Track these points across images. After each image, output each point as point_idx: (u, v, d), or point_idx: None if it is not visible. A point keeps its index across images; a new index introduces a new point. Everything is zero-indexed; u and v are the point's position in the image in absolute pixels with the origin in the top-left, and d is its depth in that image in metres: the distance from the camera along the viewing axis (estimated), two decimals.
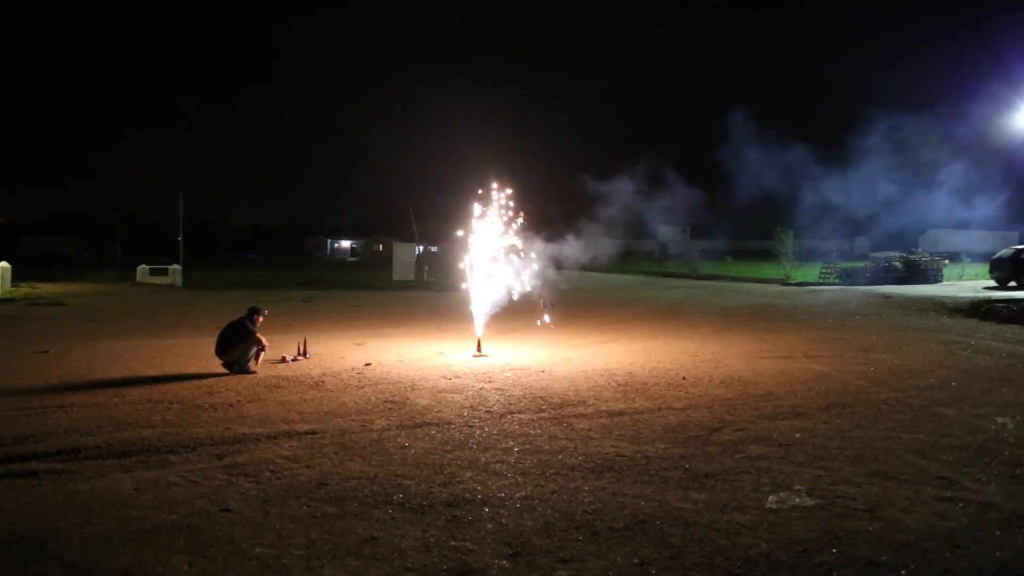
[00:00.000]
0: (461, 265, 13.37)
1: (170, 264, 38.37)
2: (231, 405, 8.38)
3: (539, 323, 14.41)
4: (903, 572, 4.12)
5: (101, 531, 4.70)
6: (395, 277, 38.59)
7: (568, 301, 15.26)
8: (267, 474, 5.88)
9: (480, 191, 12.82)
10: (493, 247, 12.92)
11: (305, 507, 5.15)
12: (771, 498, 5.31)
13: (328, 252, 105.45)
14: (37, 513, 5.03)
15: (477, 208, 12.85)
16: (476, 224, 12.86)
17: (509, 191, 12.76)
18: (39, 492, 5.47)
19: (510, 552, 4.39)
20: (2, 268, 29.21)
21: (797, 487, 5.53)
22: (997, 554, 4.36)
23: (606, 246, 15.58)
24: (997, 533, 4.67)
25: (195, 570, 4.14)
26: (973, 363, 11.13)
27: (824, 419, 7.68)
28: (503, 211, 12.85)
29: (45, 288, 30.91)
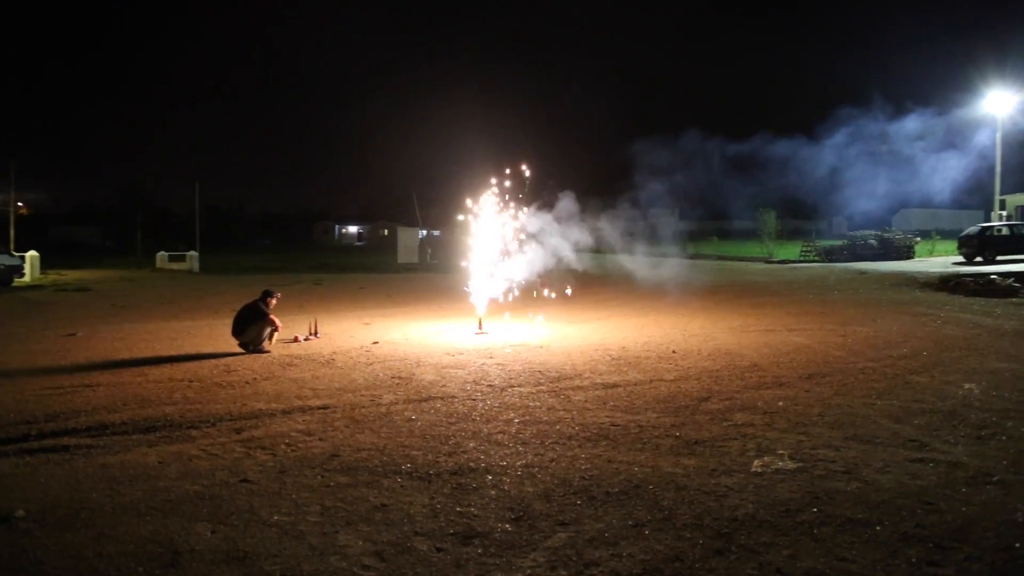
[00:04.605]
0: (463, 248, 13.33)
1: (188, 251, 38.29)
2: (247, 383, 8.39)
3: (541, 295, 14.29)
4: (878, 528, 4.15)
5: (129, 501, 4.72)
6: (400, 260, 38.57)
7: (561, 282, 15.22)
8: (283, 447, 5.90)
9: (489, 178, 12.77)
10: (496, 231, 12.89)
11: (319, 477, 5.17)
12: (756, 462, 5.34)
13: (336, 237, 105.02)
14: (70, 485, 5.05)
15: (481, 190, 12.80)
16: (479, 206, 12.82)
17: (515, 172, 12.71)
18: (71, 466, 5.49)
19: (512, 516, 4.42)
20: (31, 257, 29.21)
21: (780, 452, 5.56)
22: (964, 509, 4.40)
23: (604, 229, 15.55)
24: (964, 490, 4.71)
25: (218, 536, 4.17)
26: (943, 333, 11.16)
27: (805, 388, 7.71)
28: (507, 194, 12.82)
29: (71, 275, 30.88)
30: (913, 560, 3.80)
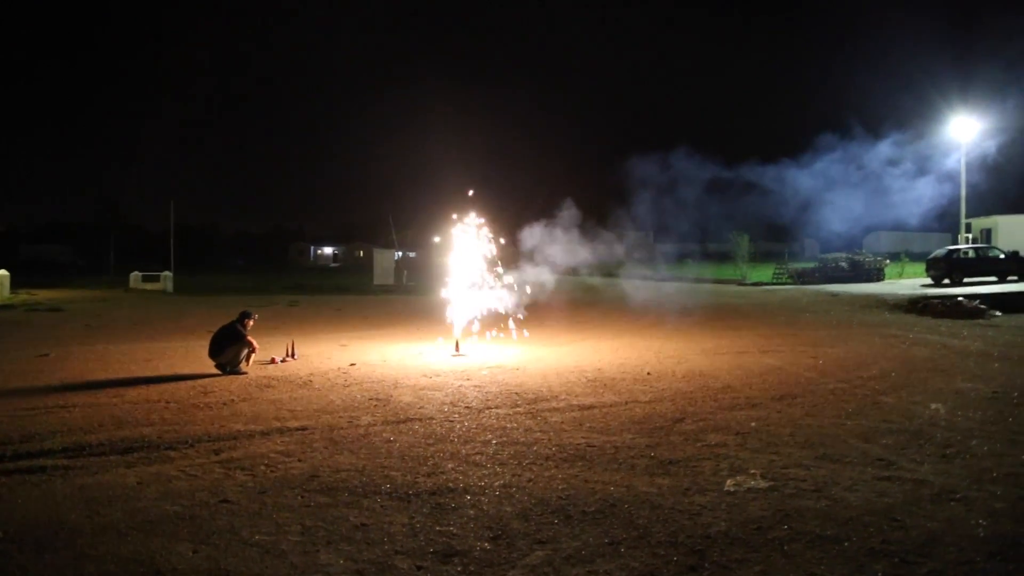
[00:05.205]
0: (441, 271, 13.42)
1: (161, 271, 37.93)
2: (225, 404, 8.38)
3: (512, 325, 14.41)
4: (846, 544, 4.29)
5: (109, 522, 4.73)
6: (376, 281, 38.49)
7: (539, 304, 15.35)
8: (262, 468, 5.93)
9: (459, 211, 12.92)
10: (473, 255, 13.00)
11: (299, 497, 5.21)
12: (729, 482, 5.46)
13: (311, 258, 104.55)
14: (48, 506, 5.05)
15: (456, 217, 12.94)
16: (456, 232, 12.95)
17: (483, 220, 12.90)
18: (49, 487, 5.48)
19: (491, 535, 4.50)
20: (1, 276, 28.78)
21: (752, 471, 5.70)
22: (928, 525, 4.55)
23: (584, 251, 15.73)
24: (929, 507, 4.87)
25: (199, 556, 4.20)
26: (911, 355, 11.43)
27: (777, 408, 7.87)
28: (482, 226, 12.96)
29: (43, 294, 30.44)
30: (879, 574, 3.94)
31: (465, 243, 12.98)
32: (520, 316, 13.93)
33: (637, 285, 28.68)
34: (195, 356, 11.78)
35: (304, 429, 7.17)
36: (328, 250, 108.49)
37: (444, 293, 13.26)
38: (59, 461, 6.10)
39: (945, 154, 33.95)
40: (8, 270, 29.94)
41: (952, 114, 34.49)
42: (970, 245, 33.32)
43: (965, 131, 34.51)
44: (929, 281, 29.48)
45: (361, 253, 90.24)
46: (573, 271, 16.52)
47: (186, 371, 10.67)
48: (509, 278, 13.45)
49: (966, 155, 34.97)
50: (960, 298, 18.84)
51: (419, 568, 4.05)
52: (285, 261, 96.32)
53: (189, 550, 4.28)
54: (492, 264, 13.17)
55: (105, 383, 9.76)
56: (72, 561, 4.14)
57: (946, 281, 28.40)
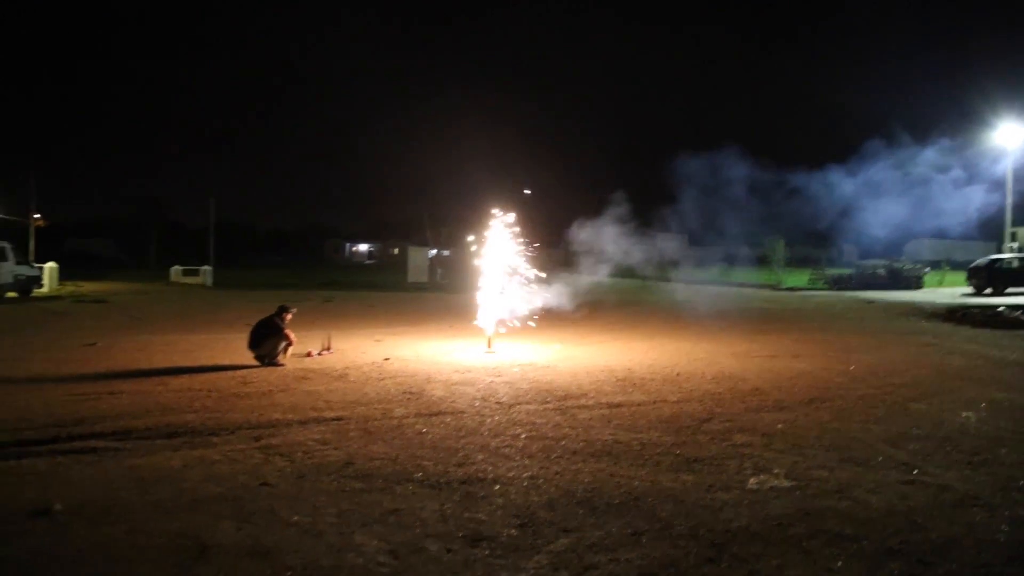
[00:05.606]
0: (475, 269, 13.60)
1: (201, 265, 38.83)
2: (264, 394, 8.68)
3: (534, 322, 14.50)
4: (864, 543, 4.40)
5: (158, 500, 5.02)
6: (410, 279, 38.88)
7: (571, 304, 15.48)
8: (300, 454, 6.18)
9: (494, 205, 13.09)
10: (505, 255, 13.16)
11: (335, 483, 5.45)
12: (752, 480, 5.58)
13: (346, 255, 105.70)
14: (101, 484, 5.36)
15: (491, 216, 13.11)
16: (489, 231, 13.12)
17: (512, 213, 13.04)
18: (101, 466, 5.80)
19: (518, 523, 4.68)
20: (50, 268, 29.80)
21: (776, 471, 5.80)
22: (948, 529, 4.63)
23: (622, 253, 15.80)
24: (950, 511, 4.94)
25: (242, 533, 4.46)
26: (946, 363, 11.35)
27: (805, 412, 7.93)
28: (514, 223, 13.12)
29: (88, 286, 31.40)
30: (895, 573, 4.04)
31: (500, 241, 13.15)
32: (551, 316, 14.09)
33: (671, 287, 28.66)
34: (235, 348, 12.13)
35: (339, 419, 7.43)
36: (363, 247, 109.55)
37: (477, 291, 13.45)
38: (109, 443, 6.43)
39: (991, 161, 33.33)
40: (55, 263, 30.96)
41: (999, 120, 33.85)
42: (1014, 254, 32.68)
43: (1012, 138, 33.85)
44: (970, 290, 29.03)
45: (396, 250, 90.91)
46: (608, 273, 16.59)
47: (226, 362, 11.03)
48: (543, 277, 13.60)
49: (1013, 162, 34.31)
50: (1001, 308, 18.57)
51: (449, 550, 4.25)
52: (320, 258, 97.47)
53: (232, 528, 4.54)
54: (526, 263, 13.33)
55: (150, 372, 10.15)
56: (126, 534, 4.43)
57: (988, 290, 27.96)
